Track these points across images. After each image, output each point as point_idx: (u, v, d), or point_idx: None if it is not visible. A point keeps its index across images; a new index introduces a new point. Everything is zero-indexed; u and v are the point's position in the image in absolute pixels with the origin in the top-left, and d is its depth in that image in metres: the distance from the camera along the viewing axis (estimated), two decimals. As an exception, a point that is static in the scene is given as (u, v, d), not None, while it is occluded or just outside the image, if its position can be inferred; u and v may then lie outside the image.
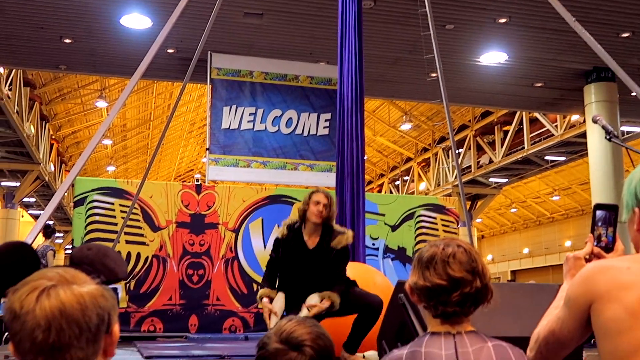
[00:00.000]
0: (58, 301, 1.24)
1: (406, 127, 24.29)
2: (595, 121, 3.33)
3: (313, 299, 4.48)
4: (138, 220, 9.00)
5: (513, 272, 36.42)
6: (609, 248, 2.01)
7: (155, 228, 9.07)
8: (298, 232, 4.79)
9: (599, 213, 1.98)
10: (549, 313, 1.75)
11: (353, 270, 5.71)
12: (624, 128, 17.01)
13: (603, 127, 3.19)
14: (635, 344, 1.51)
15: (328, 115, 11.35)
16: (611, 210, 1.91)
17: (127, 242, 8.87)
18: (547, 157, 20.74)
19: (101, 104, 21.62)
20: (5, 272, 1.96)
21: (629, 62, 11.62)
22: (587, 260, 1.85)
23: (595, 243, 1.97)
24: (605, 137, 3.16)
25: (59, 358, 1.24)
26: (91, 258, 1.51)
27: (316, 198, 4.78)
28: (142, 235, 9.01)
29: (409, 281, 1.85)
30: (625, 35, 11.01)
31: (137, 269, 8.88)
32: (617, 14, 10.37)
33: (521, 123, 19.84)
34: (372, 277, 5.53)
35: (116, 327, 1.34)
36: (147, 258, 8.95)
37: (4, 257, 2.07)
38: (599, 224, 1.97)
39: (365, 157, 7.11)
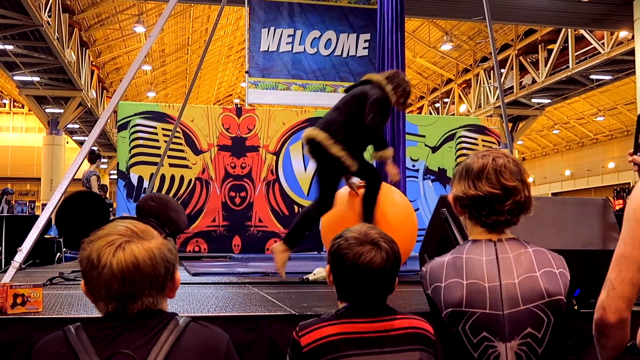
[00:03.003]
0: (132, 256, 1.41)
1: (447, 47, 23.79)
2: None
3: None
4: (181, 144, 9.11)
5: (554, 195, 36.12)
6: None
7: (197, 151, 9.19)
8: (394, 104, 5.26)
9: None
10: (614, 265, 1.67)
11: (390, 193, 5.75)
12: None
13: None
14: None
15: (367, 36, 11.16)
16: None
17: (171, 165, 9.02)
18: (592, 77, 20.21)
19: (139, 29, 21.58)
20: (78, 221, 2.08)
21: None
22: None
23: (638, 153, 1.97)
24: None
25: (131, 303, 1.43)
26: (155, 211, 1.64)
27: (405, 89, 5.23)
28: (184, 158, 9.14)
29: (454, 191, 1.87)
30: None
31: (181, 192, 9.06)
32: None
33: (566, 41, 19.27)
34: (392, 195, 5.55)
35: (178, 274, 1.52)
36: (190, 181, 9.11)
37: (76, 207, 2.18)
38: None
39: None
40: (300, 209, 9.28)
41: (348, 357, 1.75)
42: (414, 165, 9.83)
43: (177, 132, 8.77)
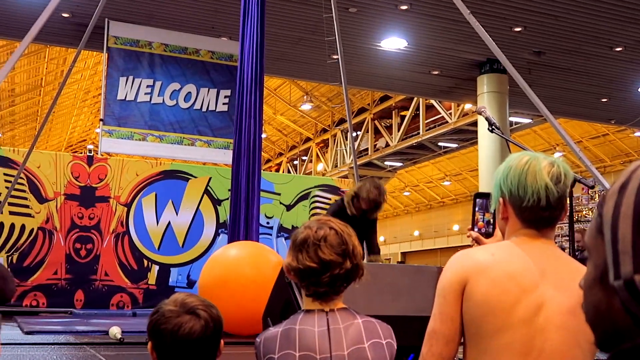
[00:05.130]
0: None
1: (307, 107, 24.40)
2: (479, 112, 3.48)
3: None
4: (24, 191, 8.61)
5: (403, 254, 37.53)
6: (489, 233, 2.13)
7: (42, 199, 8.72)
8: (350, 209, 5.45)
9: (478, 201, 2.10)
10: (431, 323, 1.78)
11: (248, 248, 5.73)
12: (513, 119, 17.79)
13: (486, 119, 3.34)
14: (489, 322, 1.63)
15: (228, 92, 11.22)
16: (489, 198, 2.02)
17: (11, 213, 8.48)
18: (440, 143, 21.44)
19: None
20: None
21: (519, 56, 12.15)
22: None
23: (475, 229, 2.09)
24: (488, 129, 3.31)
25: None
26: None
27: (373, 197, 5.37)
28: (27, 206, 8.63)
29: (284, 262, 1.91)
30: (517, 29, 11.49)
31: (21, 242, 8.52)
32: (510, 9, 10.79)
33: (418, 109, 20.39)
34: (267, 255, 5.55)
35: None
36: (32, 230, 8.60)
37: None
38: (478, 209, 2.08)
39: (264, 135, 7.11)
40: (150, 263, 9.01)
41: None
42: (268, 223, 9.87)
43: (21, 178, 8.29)
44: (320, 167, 27.21)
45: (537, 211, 1.72)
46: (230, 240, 6.32)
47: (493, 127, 3.22)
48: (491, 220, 2.12)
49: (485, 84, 13.38)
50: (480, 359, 1.67)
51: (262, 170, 7.39)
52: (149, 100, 10.83)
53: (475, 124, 16.12)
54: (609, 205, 0.75)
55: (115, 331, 4.59)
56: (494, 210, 1.88)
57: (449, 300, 1.71)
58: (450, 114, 18.85)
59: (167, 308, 1.80)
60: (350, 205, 5.28)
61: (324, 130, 27.18)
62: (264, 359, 1.81)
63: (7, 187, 8.11)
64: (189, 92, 11.10)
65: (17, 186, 8.15)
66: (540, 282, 1.67)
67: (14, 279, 1.62)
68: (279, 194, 10.12)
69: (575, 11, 10.84)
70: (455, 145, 21.67)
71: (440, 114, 19.46)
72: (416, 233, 36.94)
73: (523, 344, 1.63)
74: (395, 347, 1.86)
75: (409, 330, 2.00)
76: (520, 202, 1.73)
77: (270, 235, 9.91)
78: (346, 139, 24.46)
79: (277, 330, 1.85)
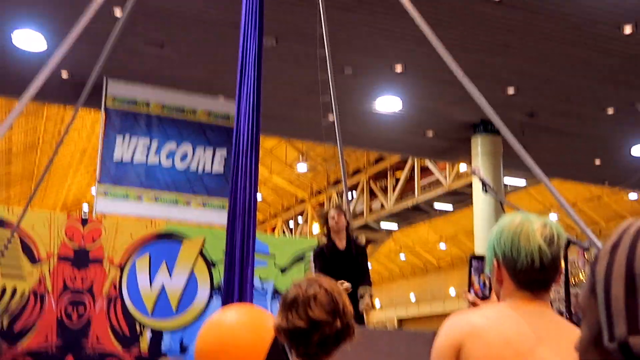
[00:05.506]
0: None
1: (302, 167, 24.52)
2: (473, 173, 3.50)
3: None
4: (16, 253, 8.52)
5: (400, 321, 37.01)
6: (485, 295, 2.10)
7: (34, 260, 8.62)
8: (330, 241, 5.98)
9: (474, 263, 2.08)
10: None
11: (245, 311, 5.62)
12: (508, 180, 17.88)
13: (480, 180, 3.35)
14: None
15: (224, 151, 11.27)
16: (484, 261, 2.00)
17: (3, 275, 8.37)
18: (435, 205, 21.47)
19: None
20: None
21: (512, 117, 12.29)
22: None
23: (471, 291, 2.07)
24: (482, 190, 3.31)
25: None
26: None
27: (331, 215, 6.00)
28: (19, 268, 8.52)
29: (274, 322, 1.87)
30: (511, 91, 11.65)
31: (12, 305, 8.37)
32: (504, 71, 10.98)
33: (413, 170, 20.51)
34: (265, 318, 5.44)
35: None
36: (23, 293, 8.46)
37: None
38: (473, 272, 2.06)
39: (259, 197, 7.13)
40: (142, 329, 8.86)
41: None
42: (262, 286, 9.75)
43: (13, 238, 8.22)
44: (315, 228, 27.15)
45: (531, 273, 1.71)
46: (224, 304, 6.22)
47: (486, 188, 3.22)
48: (487, 282, 2.11)
49: (479, 145, 13.46)
50: None
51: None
52: (145, 160, 10.86)
53: (470, 185, 16.17)
54: (602, 265, 0.75)
55: None
56: (490, 272, 1.86)
57: None
58: (445, 176, 18.95)
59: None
60: (322, 236, 5.95)
61: (320, 192, 27.25)
62: None
63: (-1, 248, 8.04)
64: (186, 152, 11.15)
65: (9, 247, 8.07)
66: (536, 346, 1.65)
67: (2, 342, 1.57)
68: (274, 256, 10.04)
69: (567, 73, 11.03)
70: (450, 207, 21.70)
71: (434, 176, 19.56)
72: (412, 297, 36.60)
73: None
74: None
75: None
76: (514, 264, 1.72)
77: (265, 298, 9.78)
78: (341, 201, 24.50)
79: None
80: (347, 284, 5.43)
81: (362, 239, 6.16)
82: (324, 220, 6.11)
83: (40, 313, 8.48)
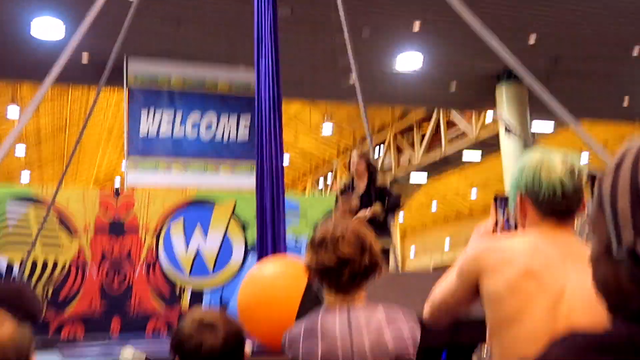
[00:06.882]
0: None
1: (328, 128, 24.44)
2: (497, 118, 3.54)
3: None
4: (54, 228, 8.79)
5: (435, 269, 37.09)
6: (509, 231, 2.18)
7: (72, 234, 8.88)
8: (352, 182, 6.25)
9: (497, 201, 2.17)
10: (444, 279, 1.91)
11: (282, 263, 5.73)
12: (536, 125, 17.67)
13: (504, 123, 3.39)
14: (511, 312, 1.69)
15: (248, 118, 11.31)
16: (507, 199, 2.09)
17: (44, 249, 8.65)
18: (464, 156, 21.34)
19: (14, 115, 20.68)
20: None
21: (536, 64, 12.11)
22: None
23: (495, 225, 2.15)
24: (505, 132, 3.36)
25: None
26: (7, 299, 1.66)
27: (353, 160, 6.22)
28: (58, 242, 8.80)
29: (304, 261, 1.95)
30: (533, 38, 11.48)
31: (55, 276, 8.68)
32: (525, 18, 10.80)
33: (438, 125, 20.38)
34: (300, 268, 5.54)
35: (33, 358, 1.53)
36: (64, 264, 8.76)
37: None
38: (498, 208, 2.15)
39: (286, 161, 7.23)
40: (182, 288, 9.12)
41: None
42: (296, 242, 9.91)
43: (51, 215, 8.47)
44: (345, 186, 27.22)
45: (553, 203, 1.78)
46: (259, 259, 6.34)
47: (509, 128, 3.27)
48: (510, 219, 2.18)
49: (504, 93, 13.33)
50: (504, 343, 1.70)
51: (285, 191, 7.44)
52: (170, 134, 10.95)
53: (497, 135, 16.05)
54: (607, 182, 0.81)
55: (126, 354, 4.62)
56: (514, 208, 1.94)
57: (464, 283, 1.80)
58: (472, 128, 18.78)
59: (187, 326, 1.84)
60: (347, 178, 6.23)
61: (347, 150, 27.24)
62: (289, 354, 1.87)
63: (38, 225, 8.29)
64: (210, 121, 11.22)
65: (48, 223, 8.32)
66: (562, 269, 1.72)
67: (39, 300, 1.72)
68: (305, 213, 10.18)
69: (589, 17, 10.83)
70: (478, 158, 21.55)
71: (460, 129, 19.41)
72: (447, 246, 36.61)
73: (545, 333, 1.66)
74: (419, 331, 1.91)
75: (441, 330, 2.06)
76: (536, 196, 1.80)
77: (300, 253, 9.93)
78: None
79: (300, 328, 1.92)
80: (369, 211, 5.80)
81: (386, 183, 6.56)
82: (349, 165, 6.31)
83: (82, 282, 8.79)
